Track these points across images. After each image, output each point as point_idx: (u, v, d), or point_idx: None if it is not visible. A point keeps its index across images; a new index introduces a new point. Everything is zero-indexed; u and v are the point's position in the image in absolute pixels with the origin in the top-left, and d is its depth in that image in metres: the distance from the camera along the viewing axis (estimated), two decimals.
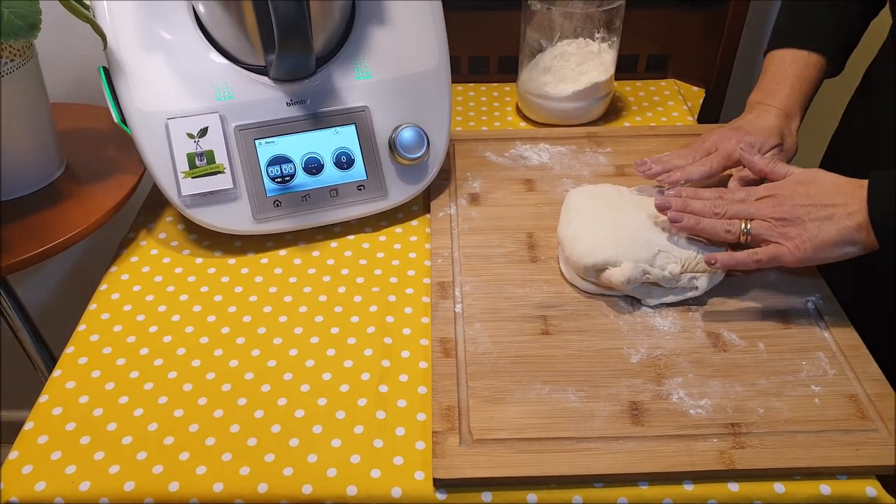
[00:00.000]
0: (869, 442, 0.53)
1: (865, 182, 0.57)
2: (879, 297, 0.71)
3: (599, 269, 0.63)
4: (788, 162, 0.70)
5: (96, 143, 0.80)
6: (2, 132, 0.67)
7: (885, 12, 0.71)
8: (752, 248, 0.60)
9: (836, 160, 0.80)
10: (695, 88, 0.99)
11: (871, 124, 0.73)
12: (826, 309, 0.63)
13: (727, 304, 0.64)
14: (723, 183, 0.71)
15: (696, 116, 0.93)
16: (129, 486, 0.51)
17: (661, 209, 0.63)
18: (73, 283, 1.22)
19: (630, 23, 0.86)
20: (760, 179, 0.66)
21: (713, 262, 0.60)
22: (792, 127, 0.71)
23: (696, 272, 0.63)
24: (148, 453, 0.54)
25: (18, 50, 0.64)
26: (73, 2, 0.62)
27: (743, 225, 0.60)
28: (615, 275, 0.62)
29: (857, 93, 0.78)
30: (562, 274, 0.67)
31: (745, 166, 0.67)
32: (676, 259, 0.63)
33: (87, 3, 0.67)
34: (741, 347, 0.60)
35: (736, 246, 0.62)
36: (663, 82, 0.98)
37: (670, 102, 0.94)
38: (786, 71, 0.72)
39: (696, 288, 0.63)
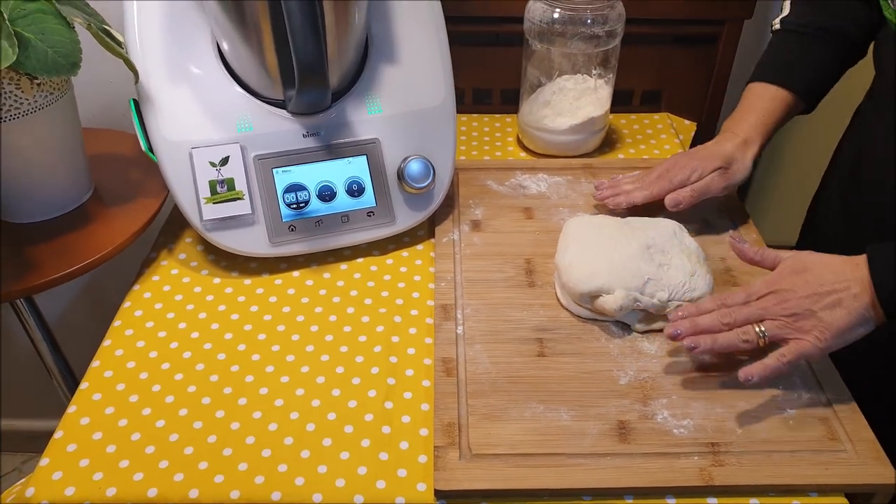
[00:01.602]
0: (838, 462, 0.57)
1: (861, 260, 0.58)
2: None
3: (593, 296, 0.67)
4: (736, 184, 0.76)
5: (122, 167, 0.85)
6: (39, 159, 0.72)
7: (868, 62, 0.76)
8: (769, 349, 0.60)
9: (827, 194, 0.84)
10: (687, 122, 1.03)
11: (856, 161, 0.78)
12: None
13: None
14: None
15: (688, 149, 0.97)
16: (152, 493, 0.56)
17: (672, 338, 0.61)
18: (89, 296, 1.26)
19: (625, 60, 0.91)
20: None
21: (751, 377, 0.58)
22: (747, 153, 0.76)
23: (683, 301, 0.67)
24: (169, 462, 0.58)
25: (58, 84, 0.69)
26: (108, 40, 0.67)
27: (757, 329, 0.60)
28: (608, 302, 0.66)
29: (846, 132, 0.83)
30: (558, 299, 0.71)
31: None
32: (665, 287, 0.67)
33: (120, 39, 0.72)
34: (722, 372, 0.64)
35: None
36: (657, 116, 1.02)
37: (663, 135, 0.98)
38: (755, 103, 0.77)
39: None
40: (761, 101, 0.77)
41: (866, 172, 0.76)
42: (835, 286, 0.58)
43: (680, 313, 0.63)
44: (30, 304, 0.89)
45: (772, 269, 0.63)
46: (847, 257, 0.60)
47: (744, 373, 0.59)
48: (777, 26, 0.79)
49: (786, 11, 0.79)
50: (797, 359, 0.59)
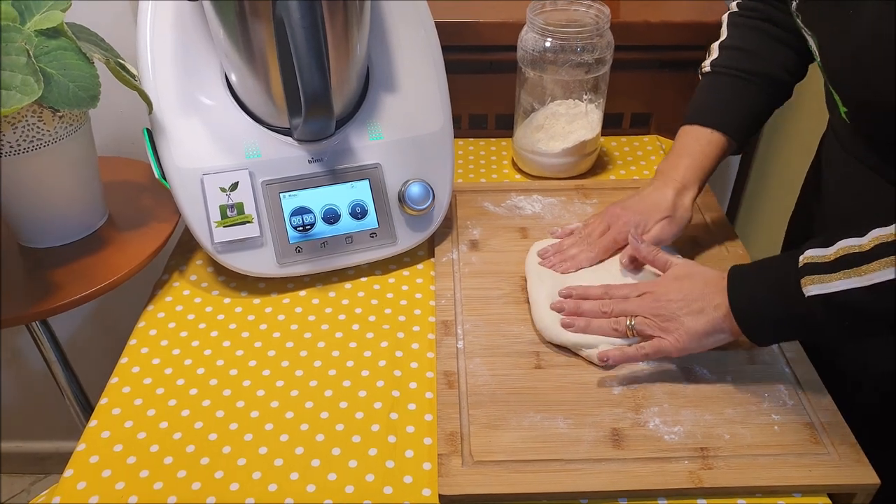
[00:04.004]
0: (821, 464, 0.60)
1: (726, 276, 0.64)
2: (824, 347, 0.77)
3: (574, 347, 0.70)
4: (681, 228, 0.77)
5: (134, 194, 0.89)
6: (57, 187, 0.75)
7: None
8: (640, 341, 0.67)
9: (804, 215, 0.88)
10: None
11: (818, 190, 0.81)
12: (787, 347, 0.70)
13: None
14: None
15: None
16: (171, 500, 0.58)
17: (556, 310, 0.71)
18: (99, 317, 1.29)
19: (615, 84, 0.95)
20: None
21: (606, 359, 0.66)
22: (685, 199, 0.77)
23: None
24: (187, 472, 0.61)
25: (77, 116, 0.73)
26: (124, 73, 0.71)
27: (628, 321, 0.67)
28: (592, 355, 0.69)
29: (813, 162, 0.86)
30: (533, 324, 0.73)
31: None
32: None
33: (133, 72, 0.76)
34: (711, 381, 0.67)
35: None
36: (646, 138, 1.07)
37: (653, 157, 1.02)
38: (690, 146, 0.79)
39: None
40: (697, 144, 0.78)
41: (826, 190, 0.79)
42: (702, 295, 0.65)
43: (567, 292, 0.72)
44: (44, 324, 0.92)
45: (662, 270, 0.71)
46: (720, 272, 0.65)
47: (602, 353, 0.67)
48: (707, 69, 0.81)
49: (715, 55, 0.81)
50: (655, 354, 0.66)
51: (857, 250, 0.55)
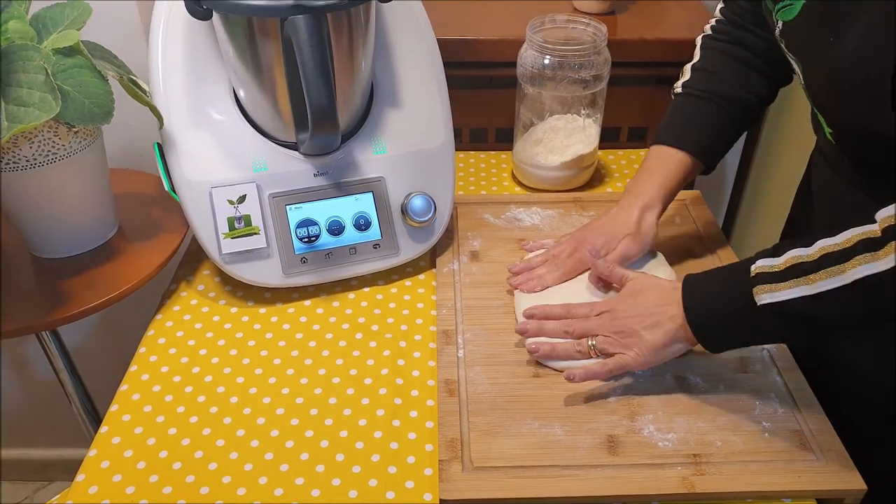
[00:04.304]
0: (810, 470, 0.62)
1: (680, 286, 0.66)
2: (823, 350, 0.80)
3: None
4: (646, 246, 0.79)
5: (144, 206, 0.91)
6: (70, 199, 0.78)
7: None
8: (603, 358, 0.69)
9: (794, 232, 0.90)
10: None
11: (808, 208, 0.83)
12: (778, 357, 0.73)
13: (693, 352, 0.72)
14: None
15: None
16: (180, 503, 0.61)
17: (520, 333, 0.73)
18: (107, 326, 1.31)
19: (612, 99, 0.98)
20: None
21: (571, 378, 0.67)
22: (649, 217, 0.79)
23: None
24: (195, 477, 0.63)
25: (90, 131, 0.75)
26: (136, 89, 0.73)
27: (589, 341, 0.69)
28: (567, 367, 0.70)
29: (803, 179, 0.88)
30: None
31: None
32: None
33: (145, 88, 0.78)
34: (704, 389, 0.69)
35: None
36: (643, 151, 1.09)
37: None
38: (657, 166, 0.81)
39: None
40: (664, 164, 0.80)
41: (815, 208, 0.81)
42: (657, 309, 0.67)
43: (529, 311, 0.74)
44: (53, 333, 0.94)
45: (619, 286, 0.73)
46: (675, 284, 0.68)
47: (568, 373, 0.68)
48: (679, 90, 0.83)
49: (686, 76, 0.83)
50: (617, 370, 0.68)
51: (804, 260, 0.57)
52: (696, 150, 0.80)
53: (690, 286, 0.66)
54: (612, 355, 0.68)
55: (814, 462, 0.63)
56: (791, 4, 0.65)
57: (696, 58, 0.84)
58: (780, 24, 0.67)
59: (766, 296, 0.59)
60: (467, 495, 0.60)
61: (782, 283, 0.58)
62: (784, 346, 0.74)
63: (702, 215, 0.93)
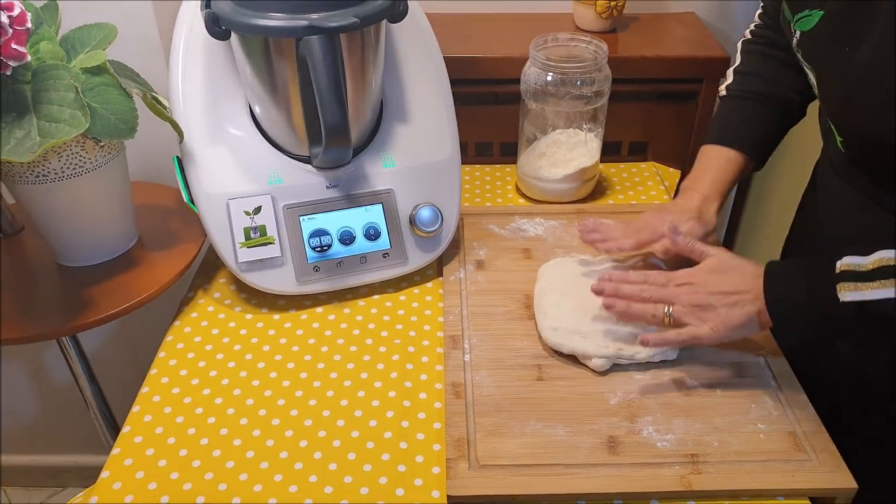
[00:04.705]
0: (803, 470, 0.64)
1: (762, 271, 0.69)
2: (817, 356, 0.82)
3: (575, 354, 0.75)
4: (708, 233, 0.82)
5: (162, 217, 0.94)
6: (94, 210, 0.81)
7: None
8: (676, 328, 0.71)
9: (799, 239, 0.93)
10: (671, 170, 1.13)
11: (813, 215, 0.86)
12: (774, 362, 0.75)
13: (692, 357, 0.76)
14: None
15: (672, 195, 1.07)
16: (200, 500, 0.63)
17: (597, 293, 0.74)
18: (122, 333, 1.34)
19: (614, 114, 1.01)
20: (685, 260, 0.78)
21: (646, 342, 0.71)
22: (711, 208, 0.83)
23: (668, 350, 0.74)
24: (213, 474, 0.66)
25: (115, 146, 0.79)
26: (158, 106, 0.77)
27: (665, 309, 0.71)
28: (589, 363, 0.74)
29: (808, 187, 0.92)
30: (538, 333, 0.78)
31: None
32: (635, 342, 0.74)
33: (165, 104, 0.82)
34: (702, 392, 0.72)
35: None
36: (643, 165, 1.12)
37: (649, 182, 1.08)
38: (710, 164, 0.85)
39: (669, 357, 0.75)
40: (716, 161, 0.84)
41: (821, 215, 0.84)
42: (738, 289, 0.69)
43: (608, 275, 0.75)
44: (73, 339, 0.97)
45: (699, 260, 0.75)
46: (756, 267, 0.70)
47: (642, 337, 0.71)
48: (723, 93, 0.88)
49: (730, 79, 0.88)
50: (690, 341, 0.70)
51: (892, 263, 0.61)
52: (745, 146, 0.84)
53: (772, 275, 0.68)
54: (684, 326, 0.70)
55: (807, 462, 0.65)
56: (809, 15, 0.68)
57: (738, 61, 0.88)
58: (797, 34, 0.71)
59: (849, 293, 0.61)
60: (473, 491, 0.63)
61: (869, 283, 0.61)
62: (779, 351, 0.76)
63: None
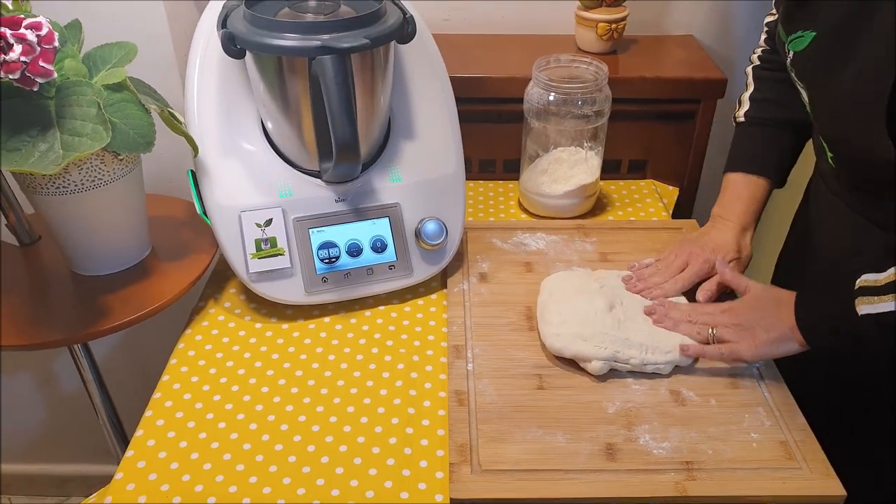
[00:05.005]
0: (794, 478, 0.66)
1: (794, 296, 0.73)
2: (809, 368, 0.84)
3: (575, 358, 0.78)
4: (746, 265, 0.87)
5: (175, 228, 0.97)
6: (110, 221, 0.84)
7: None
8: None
9: (792, 254, 0.96)
10: (670, 187, 1.16)
11: (806, 230, 0.89)
12: (767, 373, 0.77)
13: (688, 368, 0.78)
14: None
15: (671, 212, 1.10)
16: (210, 501, 0.65)
17: (648, 314, 0.81)
18: (131, 341, 1.36)
19: (614, 133, 1.04)
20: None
21: (686, 350, 0.76)
22: (746, 238, 0.88)
23: (658, 363, 0.77)
24: (224, 477, 0.68)
25: (132, 159, 0.82)
26: (174, 121, 0.80)
27: (710, 330, 0.77)
28: (587, 367, 0.76)
29: (801, 203, 0.94)
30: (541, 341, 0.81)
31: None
32: (639, 346, 0.77)
33: (180, 119, 0.85)
34: (697, 402, 0.74)
35: None
36: (642, 182, 1.15)
37: (648, 200, 1.11)
38: (741, 192, 0.89)
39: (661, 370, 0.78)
40: (746, 189, 0.89)
41: (814, 230, 0.87)
42: (773, 313, 0.74)
43: (659, 303, 0.83)
44: (84, 347, 0.99)
45: (742, 293, 0.80)
46: (791, 293, 0.74)
47: (683, 346, 0.77)
48: (742, 119, 0.92)
49: (746, 106, 0.91)
50: (730, 355, 0.75)
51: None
52: (771, 173, 0.89)
53: (802, 297, 0.73)
54: (727, 342, 0.75)
55: (797, 471, 0.67)
56: (802, 36, 0.72)
57: (752, 88, 0.92)
58: (791, 53, 0.74)
59: (866, 307, 0.65)
60: (476, 495, 0.65)
61: (883, 297, 0.65)
62: (772, 363, 0.78)
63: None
